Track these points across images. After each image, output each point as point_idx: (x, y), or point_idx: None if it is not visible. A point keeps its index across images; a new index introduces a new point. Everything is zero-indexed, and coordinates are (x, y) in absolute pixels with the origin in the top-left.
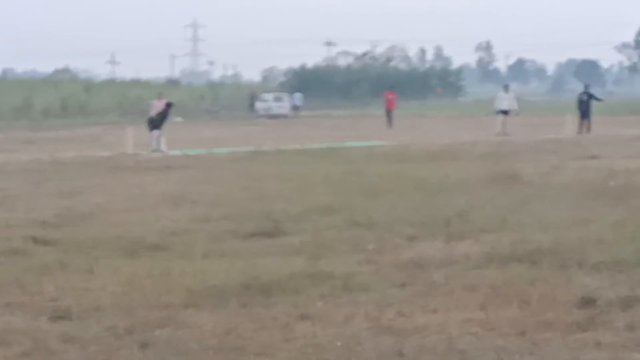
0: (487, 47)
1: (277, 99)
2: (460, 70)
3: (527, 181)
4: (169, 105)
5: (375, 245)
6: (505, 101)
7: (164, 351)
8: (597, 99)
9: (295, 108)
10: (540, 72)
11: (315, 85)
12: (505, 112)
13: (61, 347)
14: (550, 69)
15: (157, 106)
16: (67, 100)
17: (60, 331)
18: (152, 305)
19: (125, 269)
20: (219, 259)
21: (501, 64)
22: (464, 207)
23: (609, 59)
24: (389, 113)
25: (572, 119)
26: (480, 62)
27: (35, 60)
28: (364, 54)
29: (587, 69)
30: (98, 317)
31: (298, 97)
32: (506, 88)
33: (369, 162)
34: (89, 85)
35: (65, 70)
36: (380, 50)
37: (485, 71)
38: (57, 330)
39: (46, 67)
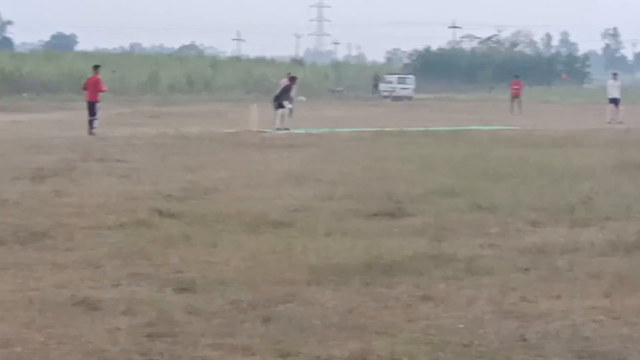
0: (614, 34)
1: (401, 81)
2: (586, 57)
3: None
4: (292, 80)
5: (498, 229)
6: (616, 89)
7: (286, 327)
8: None
9: None
10: None
11: (439, 68)
12: (615, 101)
13: (185, 319)
14: None
15: (284, 85)
16: (192, 76)
17: (184, 303)
18: (275, 281)
19: (248, 244)
20: (341, 237)
21: (628, 52)
22: (589, 194)
23: None
24: (515, 99)
25: None
26: (606, 49)
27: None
28: (489, 38)
29: None
30: (222, 291)
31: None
32: (615, 76)
33: (492, 146)
34: (215, 62)
35: (192, 46)
36: (505, 35)
37: (612, 58)
38: (181, 301)
39: (173, 42)
